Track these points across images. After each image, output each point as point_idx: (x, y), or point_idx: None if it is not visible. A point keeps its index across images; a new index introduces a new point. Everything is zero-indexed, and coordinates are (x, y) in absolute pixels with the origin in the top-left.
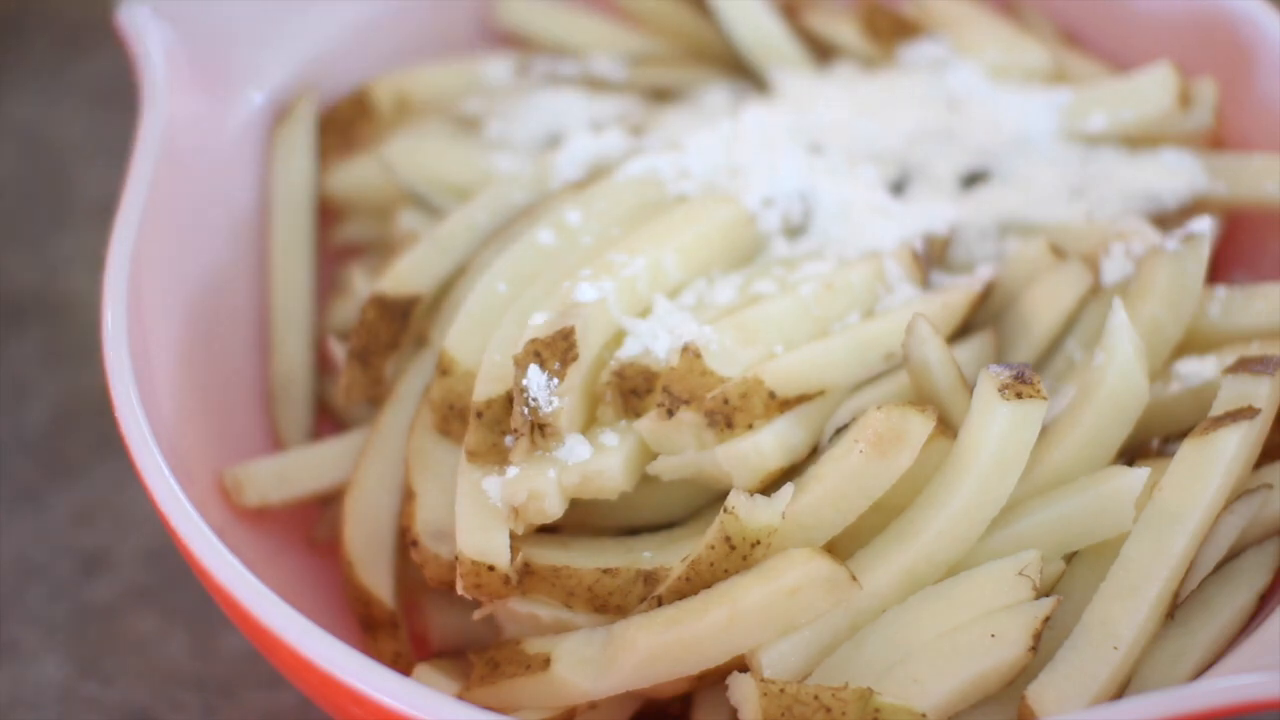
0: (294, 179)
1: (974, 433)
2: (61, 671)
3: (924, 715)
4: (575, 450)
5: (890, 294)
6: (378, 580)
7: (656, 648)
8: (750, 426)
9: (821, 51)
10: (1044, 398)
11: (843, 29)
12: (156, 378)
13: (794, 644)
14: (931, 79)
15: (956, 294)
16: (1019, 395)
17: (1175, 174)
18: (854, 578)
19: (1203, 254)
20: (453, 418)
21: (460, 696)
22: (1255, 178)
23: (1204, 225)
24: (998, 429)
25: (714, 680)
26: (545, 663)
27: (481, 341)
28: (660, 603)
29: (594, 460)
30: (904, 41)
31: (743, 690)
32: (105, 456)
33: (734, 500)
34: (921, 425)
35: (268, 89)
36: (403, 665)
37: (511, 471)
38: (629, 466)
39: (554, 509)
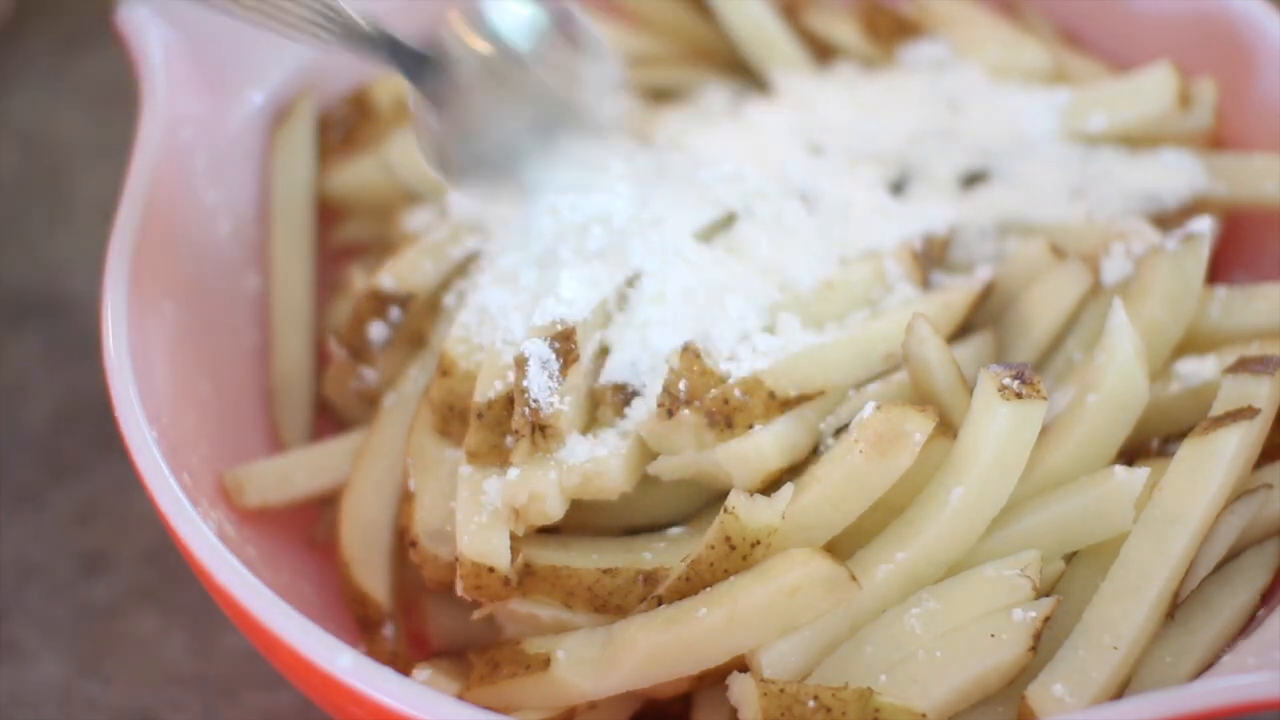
0: (294, 179)
1: (974, 433)
2: (61, 671)
3: (924, 715)
4: (576, 451)
5: (890, 294)
6: (374, 581)
7: (656, 648)
8: (750, 426)
9: (821, 51)
10: (1044, 398)
11: (843, 29)
12: (156, 378)
13: (794, 644)
14: (931, 79)
15: (956, 294)
16: (1019, 395)
17: (1175, 174)
18: (854, 578)
19: (1203, 254)
20: (453, 418)
21: (460, 696)
22: (1255, 178)
23: (1204, 225)
24: (998, 429)
25: (714, 680)
26: (545, 663)
27: (482, 342)
28: (660, 603)
29: (594, 461)
30: (904, 41)
31: (743, 690)
32: (105, 456)
33: (734, 500)
34: (921, 425)
35: (268, 89)
36: (401, 665)
37: (512, 473)
38: (629, 467)
39: (555, 510)
